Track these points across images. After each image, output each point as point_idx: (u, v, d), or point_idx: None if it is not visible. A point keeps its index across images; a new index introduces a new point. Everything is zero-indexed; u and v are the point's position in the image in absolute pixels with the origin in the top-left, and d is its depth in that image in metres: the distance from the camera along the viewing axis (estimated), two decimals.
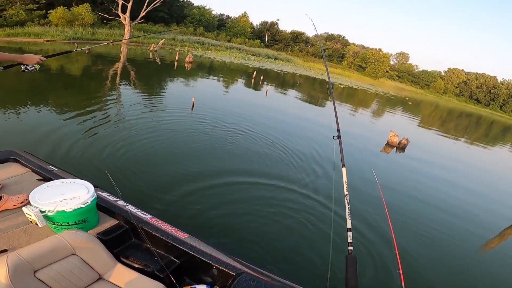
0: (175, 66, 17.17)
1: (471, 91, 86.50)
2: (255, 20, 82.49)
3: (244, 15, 62.67)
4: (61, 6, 32.75)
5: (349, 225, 2.04)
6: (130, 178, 4.14)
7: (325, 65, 3.29)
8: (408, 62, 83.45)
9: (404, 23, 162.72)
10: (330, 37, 75.97)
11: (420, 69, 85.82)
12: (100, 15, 33.40)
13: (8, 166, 2.61)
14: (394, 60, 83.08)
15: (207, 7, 58.60)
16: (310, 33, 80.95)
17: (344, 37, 76.51)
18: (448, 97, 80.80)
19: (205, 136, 6.28)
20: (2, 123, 5.28)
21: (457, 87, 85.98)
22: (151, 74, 14.37)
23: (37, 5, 33.80)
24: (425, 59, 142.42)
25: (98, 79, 11.05)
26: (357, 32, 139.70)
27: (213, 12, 60.33)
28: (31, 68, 2.35)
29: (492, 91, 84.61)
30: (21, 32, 28.90)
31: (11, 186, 2.34)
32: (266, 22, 68.93)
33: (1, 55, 2.11)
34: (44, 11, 33.79)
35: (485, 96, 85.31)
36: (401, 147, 9.39)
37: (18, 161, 2.68)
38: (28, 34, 28.42)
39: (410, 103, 31.09)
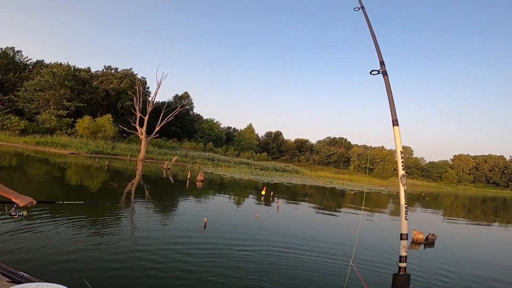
0: (187, 184, 17.62)
1: (485, 176, 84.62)
2: (260, 131, 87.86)
3: (250, 127, 67.09)
4: (87, 115, 36.70)
5: None
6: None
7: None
8: (413, 156, 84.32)
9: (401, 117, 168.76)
10: (333, 141, 78.95)
11: (427, 161, 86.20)
12: (120, 127, 36.24)
13: None
14: None
15: (215, 120, 63.89)
16: (313, 139, 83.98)
17: (346, 139, 79.65)
18: (464, 185, 78.57)
19: (217, 258, 5.68)
20: None
21: (469, 174, 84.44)
22: (164, 192, 14.78)
23: (66, 112, 37.31)
24: (429, 149, 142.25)
25: (114, 196, 11.20)
26: (358, 133, 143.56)
27: (221, 126, 65.70)
28: (20, 213, 2.20)
29: (505, 171, 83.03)
30: (50, 141, 31.53)
31: None
32: (271, 133, 73.40)
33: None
34: (72, 119, 37.92)
35: (501, 178, 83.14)
36: (429, 243, 8.76)
37: None
38: (55, 144, 30.87)
39: (427, 198, 30.10)
